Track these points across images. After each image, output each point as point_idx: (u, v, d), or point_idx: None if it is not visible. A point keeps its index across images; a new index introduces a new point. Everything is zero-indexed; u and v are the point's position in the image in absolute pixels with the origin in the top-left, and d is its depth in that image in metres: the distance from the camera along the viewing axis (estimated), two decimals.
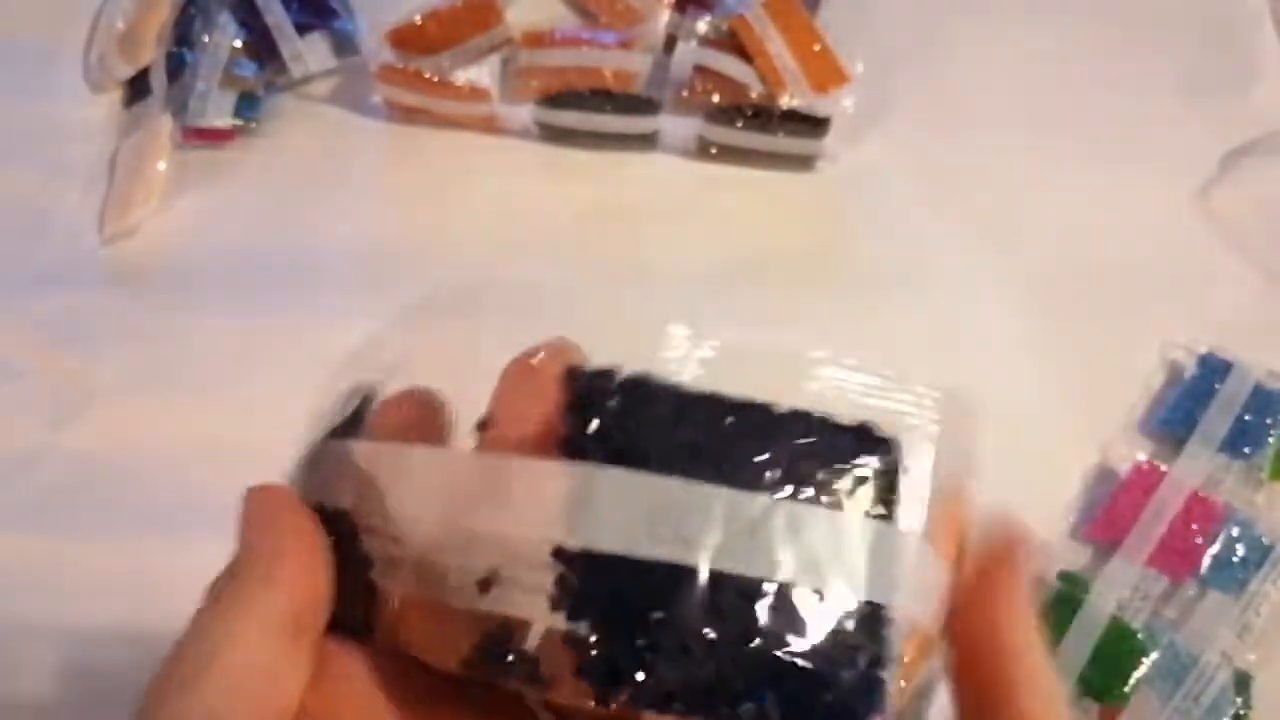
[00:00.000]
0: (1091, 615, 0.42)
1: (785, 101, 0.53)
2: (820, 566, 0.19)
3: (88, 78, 0.59)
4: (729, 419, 0.20)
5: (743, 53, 0.55)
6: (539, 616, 0.19)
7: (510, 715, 0.22)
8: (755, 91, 0.54)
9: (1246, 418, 0.46)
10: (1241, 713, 0.40)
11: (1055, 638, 0.41)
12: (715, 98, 0.54)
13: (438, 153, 0.56)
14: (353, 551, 0.21)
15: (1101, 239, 0.53)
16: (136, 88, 0.58)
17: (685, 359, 0.21)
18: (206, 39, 0.56)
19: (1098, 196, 0.54)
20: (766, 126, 0.53)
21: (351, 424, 0.23)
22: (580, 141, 0.55)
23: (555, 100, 0.54)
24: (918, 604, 0.20)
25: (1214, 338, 0.48)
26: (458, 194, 0.55)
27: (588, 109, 0.54)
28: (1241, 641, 0.41)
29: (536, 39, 0.57)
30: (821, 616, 0.19)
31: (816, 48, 0.54)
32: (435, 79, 0.54)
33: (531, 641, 0.19)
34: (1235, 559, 0.43)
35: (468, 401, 0.23)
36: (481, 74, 0.56)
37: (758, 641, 0.19)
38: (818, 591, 0.19)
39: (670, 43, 0.56)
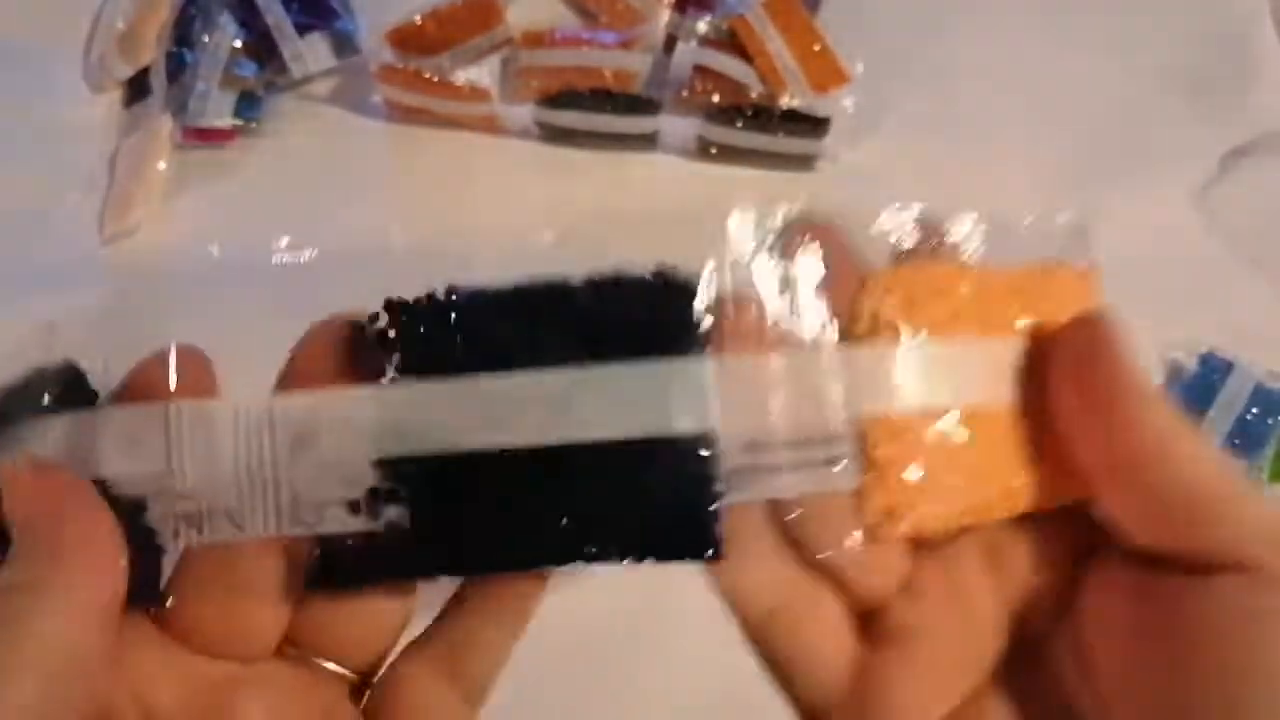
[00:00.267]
0: None
1: (785, 101, 0.53)
2: (638, 414, 0.20)
3: (88, 78, 0.59)
4: (528, 304, 0.21)
5: (743, 53, 0.55)
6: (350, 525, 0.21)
7: (308, 685, 0.23)
8: (755, 91, 0.54)
9: (1247, 418, 0.46)
10: None
11: None
12: (715, 98, 0.54)
13: (438, 153, 0.56)
14: (136, 521, 0.21)
15: (1101, 239, 0.53)
16: (136, 88, 0.58)
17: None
18: (206, 39, 0.56)
19: (1098, 196, 0.54)
20: (766, 126, 0.53)
21: (72, 393, 0.23)
22: (580, 141, 0.55)
23: (555, 100, 0.54)
24: (749, 418, 0.21)
25: (1214, 337, 0.48)
26: (458, 194, 0.55)
27: (588, 109, 0.54)
28: None
29: (536, 39, 0.57)
30: (645, 459, 0.20)
31: (816, 48, 0.54)
32: (435, 79, 0.54)
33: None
34: None
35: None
36: (481, 74, 0.56)
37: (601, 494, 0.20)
38: (641, 439, 0.20)
39: (670, 43, 0.56)
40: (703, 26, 0.56)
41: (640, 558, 0.21)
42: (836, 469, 0.21)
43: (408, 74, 0.55)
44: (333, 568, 0.21)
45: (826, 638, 0.23)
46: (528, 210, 0.54)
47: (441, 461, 0.21)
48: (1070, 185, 0.54)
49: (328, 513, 0.21)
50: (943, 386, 0.21)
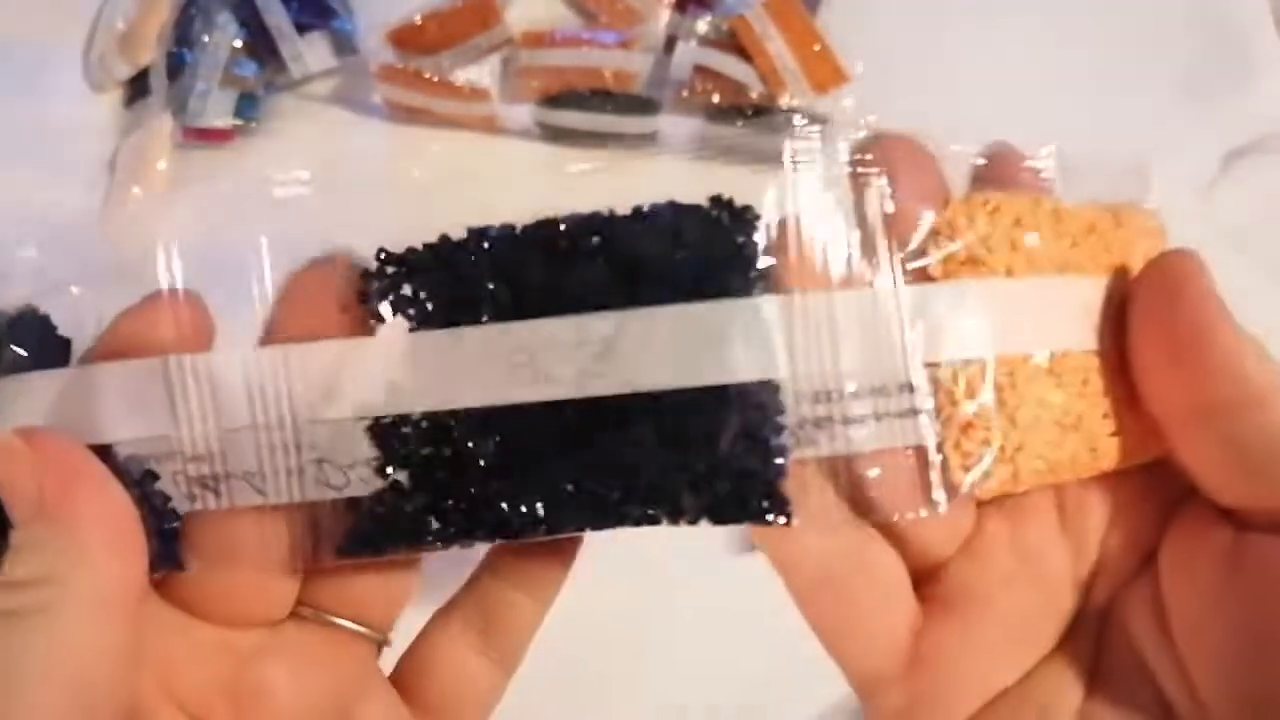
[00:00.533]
0: None
1: (785, 101, 0.53)
2: (692, 362, 0.18)
3: (88, 78, 0.59)
4: (563, 241, 0.19)
5: (743, 53, 0.54)
6: (374, 484, 0.19)
7: (332, 648, 0.21)
8: (755, 91, 0.53)
9: None
10: None
11: None
12: (715, 98, 0.54)
13: (438, 153, 0.56)
14: (147, 490, 0.19)
15: None
16: (136, 88, 0.57)
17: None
18: (206, 39, 0.56)
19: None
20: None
21: (42, 343, 0.21)
22: (580, 141, 0.55)
23: (555, 100, 0.54)
24: (818, 365, 0.19)
25: None
26: (458, 194, 0.55)
27: (588, 109, 0.54)
28: None
29: (536, 39, 0.57)
30: (700, 411, 0.18)
31: (816, 48, 0.54)
32: (435, 79, 0.54)
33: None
34: None
35: None
36: (481, 74, 0.56)
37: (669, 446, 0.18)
38: (695, 389, 0.18)
39: (670, 43, 0.56)
40: (703, 26, 0.56)
41: (694, 519, 0.18)
42: (915, 421, 0.19)
43: (408, 74, 0.55)
44: (368, 535, 0.19)
45: (886, 603, 0.21)
46: (528, 210, 0.54)
47: (478, 416, 0.19)
48: (1069, 185, 0.54)
49: (354, 474, 0.19)
50: (1027, 329, 0.19)
